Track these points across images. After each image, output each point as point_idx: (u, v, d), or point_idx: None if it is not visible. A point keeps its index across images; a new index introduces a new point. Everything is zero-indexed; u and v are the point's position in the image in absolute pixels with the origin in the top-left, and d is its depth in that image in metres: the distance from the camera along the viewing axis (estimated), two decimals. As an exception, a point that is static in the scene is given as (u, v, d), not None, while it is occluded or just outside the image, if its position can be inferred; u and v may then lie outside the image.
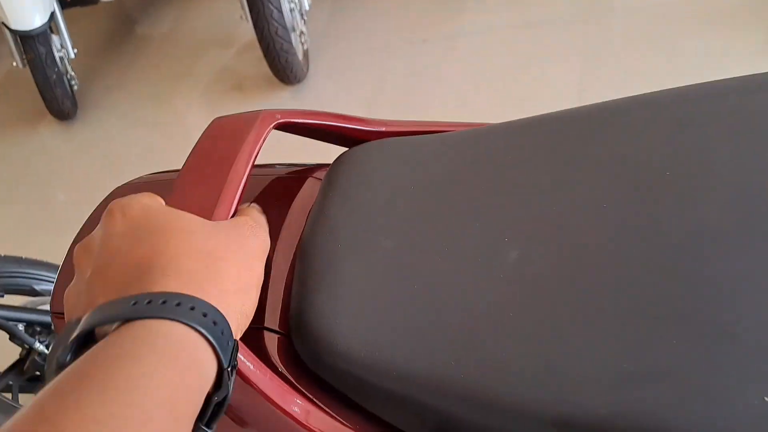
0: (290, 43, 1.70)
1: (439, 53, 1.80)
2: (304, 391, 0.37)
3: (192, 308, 0.28)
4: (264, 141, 0.44)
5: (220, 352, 0.28)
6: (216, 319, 0.29)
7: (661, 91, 0.45)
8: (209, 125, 0.46)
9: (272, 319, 0.40)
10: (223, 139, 0.44)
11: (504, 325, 0.34)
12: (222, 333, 0.29)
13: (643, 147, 0.41)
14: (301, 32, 1.77)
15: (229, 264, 0.32)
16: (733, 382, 0.30)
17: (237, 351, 0.30)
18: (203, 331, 0.28)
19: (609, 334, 0.33)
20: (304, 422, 0.35)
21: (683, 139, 0.40)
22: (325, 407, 0.36)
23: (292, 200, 0.47)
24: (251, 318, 0.33)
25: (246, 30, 1.81)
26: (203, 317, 0.28)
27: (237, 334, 0.31)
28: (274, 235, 0.45)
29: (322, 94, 1.82)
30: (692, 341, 0.32)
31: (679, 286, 0.33)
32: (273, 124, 0.45)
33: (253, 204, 0.40)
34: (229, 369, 0.29)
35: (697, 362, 0.31)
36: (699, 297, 0.33)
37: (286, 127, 0.47)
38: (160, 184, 0.52)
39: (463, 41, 1.82)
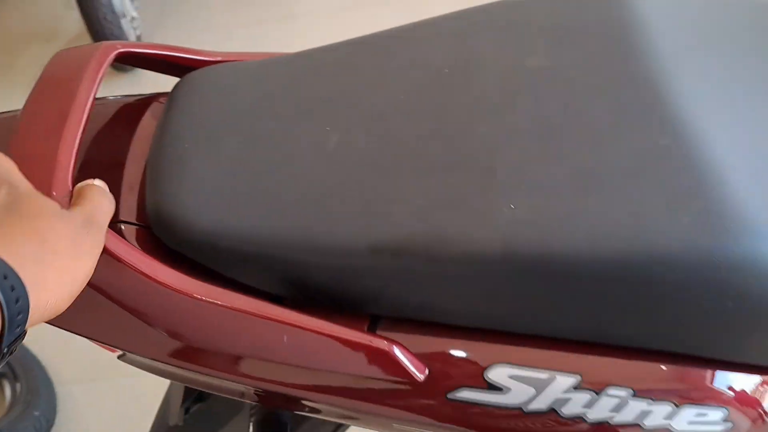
0: (120, 29, 1.68)
1: (276, 34, 1.87)
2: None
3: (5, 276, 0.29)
4: (105, 71, 0.48)
5: (6, 317, 0.28)
6: (15, 284, 0.29)
7: (444, 15, 0.56)
8: (51, 60, 0.49)
9: (129, 214, 0.45)
10: (63, 73, 0.48)
11: (327, 186, 0.43)
12: (17, 301, 0.29)
13: (430, 55, 0.51)
14: (132, 17, 1.75)
15: (58, 257, 0.33)
16: (491, 200, 0.41)
17: (22, 339, 0.31)
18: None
19: (409, 181, 0.42)
20: (169, 284, 0.40)
21: (460, 47, 0.51)
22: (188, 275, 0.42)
23: (138, 123, 0.52)
24: (62, 307, 0.34)
25: (74, 21, 1.75)
26: (3, 279, 0.29)
27: (34, 319, 0.31)
28: (123, 154, 0.50)
29: (160, 80, 1.81)
30: (465, 179, 0.42)
31: (459, 144, 0.44)
32: (113, 54, 0.49)
33: (94, 184, 0.39)
34: (6, 347, 0.29)
35: (471, 192, 0.41)
36: (473, 149, 0.43)
37: (128, 59, 0.52)
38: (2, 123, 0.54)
39: (298, 23, 1.90)
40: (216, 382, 0.46)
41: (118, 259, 0.40)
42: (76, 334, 0.44)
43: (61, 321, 0.44)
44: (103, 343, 0.44)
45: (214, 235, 0.42)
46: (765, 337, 0.42)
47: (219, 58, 0.56)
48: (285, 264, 0.42)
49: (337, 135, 0.46)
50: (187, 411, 0.62)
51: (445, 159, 0.43)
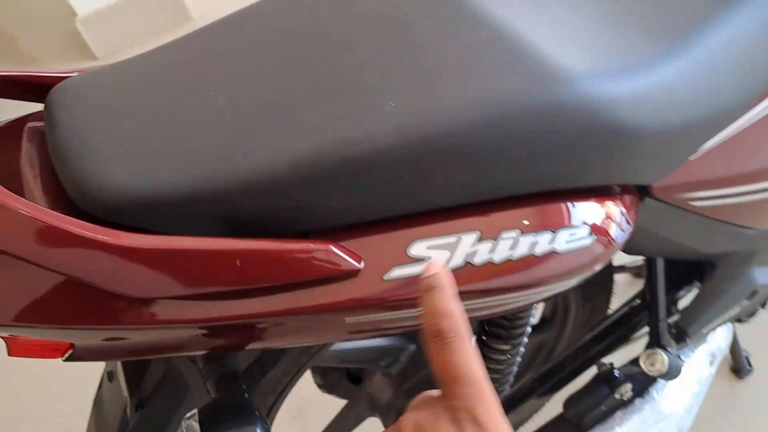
0: None
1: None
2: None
3: None
4: None
5: None
6: None
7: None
8: None
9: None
10: None
11: (235, 129, 0.49)
12: None
13: (276, 24, 0.59)
14: None
15: None
16: (375, 105, 0.50)
17: None
18: None
19: (303, 110, 0.50)
20: (123, 243, 0.43)
21: (298, 13, 0.60)
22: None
23: (20, 140, 0.53)
24: None
25: None
26: None
27: None
28: (14, 165, 0.51)
29: None
30: (348, 97, 0.50)
31: (333, 76, 0.52)
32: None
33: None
34: None
35: (358, 103, 0.50)
36: (345, 75, 0.52)
37: None
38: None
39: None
40: (174, 335, 0.49)
41: (73, 235, 0.42)
42: (24, 326, 0.44)
43: (12, 318, 0.44)
44: (58, 326, 0.45)
45: (148, 195, 0.45)
46: (601, 159, 0.56)
47: (77, 73, 0.58)
48: (219, 204, 0.47)
49: (223, 96, 0.52)
50: (136, 409, 0.61)
51: (326, 88, 0.51)
